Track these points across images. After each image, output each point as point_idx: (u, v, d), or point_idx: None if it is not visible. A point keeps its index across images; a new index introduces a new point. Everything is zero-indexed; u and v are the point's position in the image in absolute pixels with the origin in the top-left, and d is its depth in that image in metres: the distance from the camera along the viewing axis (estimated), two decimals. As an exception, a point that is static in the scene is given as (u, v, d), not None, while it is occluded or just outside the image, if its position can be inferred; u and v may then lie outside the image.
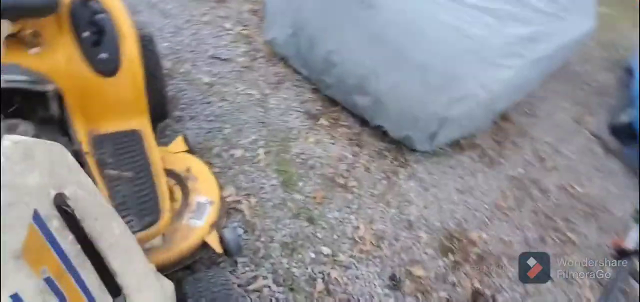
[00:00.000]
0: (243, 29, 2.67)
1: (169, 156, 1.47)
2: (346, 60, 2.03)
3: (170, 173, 1.39)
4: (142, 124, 1.37)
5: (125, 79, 1.30)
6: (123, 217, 0.97)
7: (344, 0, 2.01)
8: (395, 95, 1.95)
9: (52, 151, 0.53)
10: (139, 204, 1.15)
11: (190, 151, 1.54)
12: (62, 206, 0.52)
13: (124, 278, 0.64)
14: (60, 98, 1.16)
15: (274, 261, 1.47)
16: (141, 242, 1.04)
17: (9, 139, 0.44)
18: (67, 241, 0.53)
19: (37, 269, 0.46)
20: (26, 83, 1.04)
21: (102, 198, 0.65)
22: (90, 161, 1.15)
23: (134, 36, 1.34)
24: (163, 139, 1.70)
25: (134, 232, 1.03)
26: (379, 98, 1.98)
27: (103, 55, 1.26)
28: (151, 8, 2.58)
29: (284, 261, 1.48)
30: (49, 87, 1.11)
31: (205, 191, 1.38)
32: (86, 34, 1.25)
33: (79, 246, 0.55)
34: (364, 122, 2.17)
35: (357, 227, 1.67)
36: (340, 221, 1.68)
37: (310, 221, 1.64)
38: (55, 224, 0.50)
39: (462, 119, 2.01)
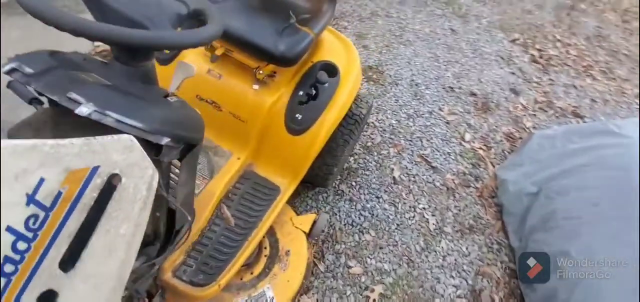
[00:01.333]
0: (482, 148, 2.26)
1: (286, 222, 1.43)
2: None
3: (272, 236, 1.36)
4: (287, 185, 1.37)
5: (301, 144, 1.33)
6: (183, 259, 1.03)
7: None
8: None
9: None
10: (208, 257, 1.14)
11: (309, 234, 1.44)
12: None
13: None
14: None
15: None
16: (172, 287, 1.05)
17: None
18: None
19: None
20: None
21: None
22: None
23: (337, 113, 1.35)
24: (307, 200, 1.68)
25: (177, 279, 1.05)
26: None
27: (298, 116, 1.32)
28: (410, 86, 2.60)
29: None
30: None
31: (283, 282, 1.27)
32: (301, 93, 1.35)
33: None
34: None
35: None
36: None
37: None
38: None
39: None
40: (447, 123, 2.37)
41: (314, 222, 1.43)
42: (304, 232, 1.40)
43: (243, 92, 1.33)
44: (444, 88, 2.63)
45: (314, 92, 1.35)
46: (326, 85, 1.35)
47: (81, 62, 0.74)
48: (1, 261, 0.49)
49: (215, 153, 1.34)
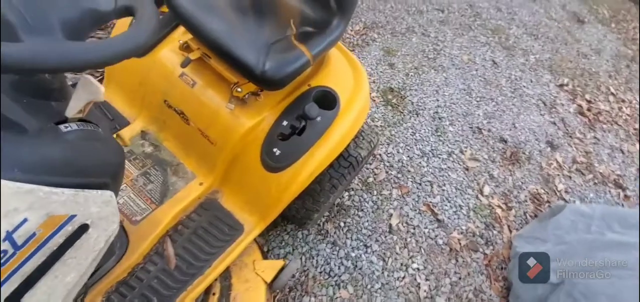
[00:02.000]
0: (500, 207, 1.97)
1: (247, 266, 1.22)
2: None
3: (226, 279, 1.17)
4: (253, 225, 1.16)
5: (275, 184, 1.11)
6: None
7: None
8: None
9: None
10: (154, 289, 0.97)
11: (271, 285, 1.23)
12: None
13: None
14: None
15: None
16: None
17: None
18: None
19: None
20: None
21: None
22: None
23: (326, 155, 1.12)
24: (283, 235, 1.47)
25: None
26: None
27: (276, 151, 1.10)
28: (432, 119, 2.33)
29: None
30: None
31: None
32: (285, 123, 1.12)
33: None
34: None
35: None
36: None
37: None
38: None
39: None
40: (466, 169, 2.09)
41: (281, 269, 1.22)
42: (265, 282, 1.19)
43: (215, 110, 1.12)
44: (470, 127, 2.34)
45: (301, 124, 1.12)
46: (318, 119, 1.12)
47: None
48: None
49: (174, 172, 1.16)
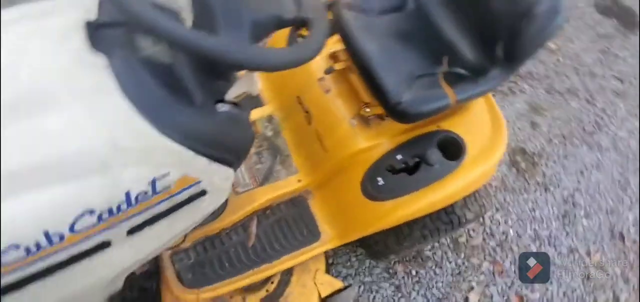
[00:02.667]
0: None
1: (309, 272, 1.29)
2: None
3: (286, 274, 1.26)
4: (330, 238, 1.19)
5: (365, 211, 1.11)
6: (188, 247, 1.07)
7: None
8: None
9: None
10: (209, 262, 1.08)
11: (323, 300, 1.27)
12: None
13: None
14: None
15: None
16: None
17: None
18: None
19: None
20: None
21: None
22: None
23: (428, 205, 1.11)
24: (351, 257, 1.48)
25: (171, 262, 1.06)
26: None
27: (379, 180, 1.10)
28: (563, 202, 2.00)
29: None
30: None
31: None
32: (399, 156, 1.11)
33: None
34: None
35: None
36: None
37: None
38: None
39: None
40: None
41: (338, 291, 1.26)
42: (320, 296, 1.25)
43: (338, 121, 1.18)
44: (611, 230, 1.94)
45: (414, 163, 1.10)
46: (435, 166, 1.08)
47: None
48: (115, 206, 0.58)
49: (282, 161, 1.28)
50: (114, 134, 0.55)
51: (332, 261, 1.57)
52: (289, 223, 1.19)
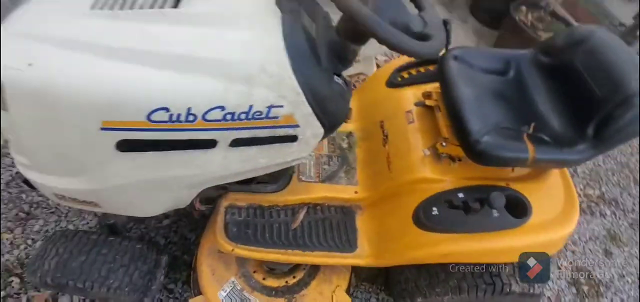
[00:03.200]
0: None
1: (330, 284, 1.28)
2: None
3: (310, 276, 1.28)
4: (366, 254, 1.17)
5: (410, 237, 1.10)
6: (241, 206, 1.17)
7: None
8: None
9: None
10: (254, 225, 1.13)
11: None
12: None
13: None
14: None
15: None
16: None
17: None
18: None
19: None
20: None
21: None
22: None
23: (474, 251, 1.08)
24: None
25: (223, 214, 1.13)
26: None
27: (434, 211, 1.08)
28: None
29: None
30: None
31: None
32: (461, 195, 1.09)
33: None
34: None
35: None
36: None
37: None
38: None
39: None
40: None
41: None
42: None
43: (412, 148, 1.20)
44: None
45: (474, 206, 1.07)
46: (494, 213, 1.05)
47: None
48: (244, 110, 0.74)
49: (346, 171, 1.30)
50: (266, 59, 0.73)
51: (354, 293, 1.52)
52: (332, 225, 1.20)
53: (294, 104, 0.76)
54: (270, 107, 0.75)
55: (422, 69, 1.40)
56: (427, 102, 1.24)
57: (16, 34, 0.68)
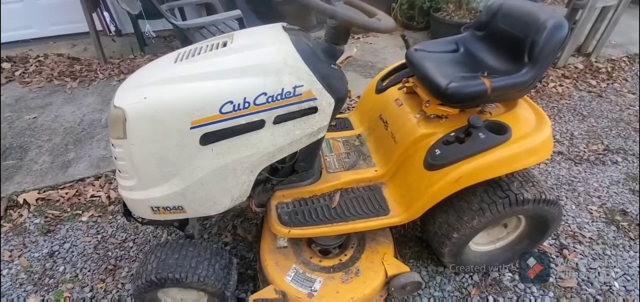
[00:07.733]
0: None
1: (378, 253, 1.49)
2: None
3: (360, 247, 1.51)
4: (398, 214, 1.41)
5: (428, 180, 1.34)
6: (288, 202, 1.46)
7: None
8: None
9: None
10: (302, 212, 1.40)
11: (387, 281, 1.42)
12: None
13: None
14: None
15: None
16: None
17: None
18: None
19: None
20: None
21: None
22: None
23: (479, 168, 1.30)
24: (429, 262, 1.58)
25: (274, 209, 1.41)
26: None
27: (437, 151, 1.35)
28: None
29: None
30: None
31: (333, 291, 1.38)
32: (453, 134, 1.38)
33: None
34: None
35: None
36: None
37: None
38: None
39: None
40: None
41: (401, 273, 1.39)
42: (386, 274, 1.39)
43: (406, 118, 1.52)
44: None
45: (464, 138, 1.34)
46: (481, 135, 1.32)
47: None
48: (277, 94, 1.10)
49: (364, 159, 1.61)
50: (285, 58, 1.10)
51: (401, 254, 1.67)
52: (364, 199, 1.46)
53: (309, 82, 1.11)
54: (295, 87, 1.10)
55: (394, 76, 1.81)
56: (407, 85, 1.61)
57: (131, 86, 1.13)
